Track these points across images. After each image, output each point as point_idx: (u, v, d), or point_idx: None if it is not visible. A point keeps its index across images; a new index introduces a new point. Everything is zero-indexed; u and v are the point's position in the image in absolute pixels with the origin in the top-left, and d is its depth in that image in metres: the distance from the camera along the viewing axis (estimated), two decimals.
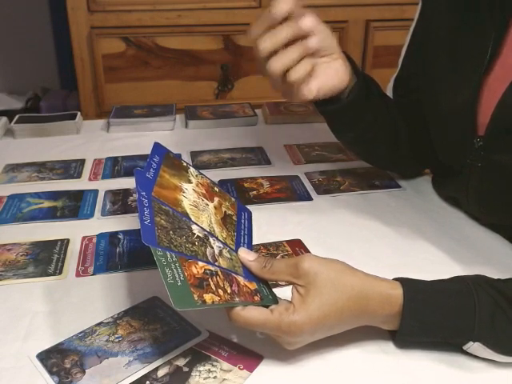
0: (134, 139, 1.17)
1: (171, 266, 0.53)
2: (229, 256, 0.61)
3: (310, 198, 0.91)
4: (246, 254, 0.61)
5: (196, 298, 0.52)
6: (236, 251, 0.62)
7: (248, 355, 0.58)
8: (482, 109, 0.74)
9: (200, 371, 0.56)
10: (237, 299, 0.54)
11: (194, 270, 0.55)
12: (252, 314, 0.54)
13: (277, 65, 0.68)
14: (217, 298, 0.53)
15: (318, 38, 0.70)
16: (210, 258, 0.58)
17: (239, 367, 0.56)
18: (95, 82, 1.85)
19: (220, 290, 0.54)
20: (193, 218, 0.62)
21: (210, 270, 0.56)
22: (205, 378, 0.55)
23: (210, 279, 0.55)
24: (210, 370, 0.56)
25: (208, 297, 0.53)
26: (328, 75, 0.74)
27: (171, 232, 0.57)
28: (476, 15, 0.75)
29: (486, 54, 0.72)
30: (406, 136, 0.90)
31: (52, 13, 2.39)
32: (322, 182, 0.97)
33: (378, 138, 0.88)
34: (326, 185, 0.96)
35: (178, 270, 0.53)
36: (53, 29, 2.42)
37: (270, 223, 0.83)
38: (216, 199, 0.69)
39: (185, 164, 0.71)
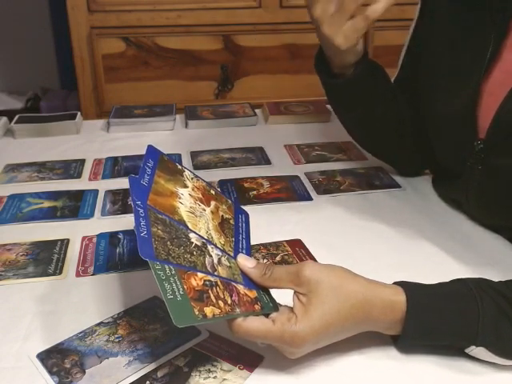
0: (134, 139, 1.17)
1: (170, 280, 0.52)
2: (228, 264, 0.60)
3: (310, 198, 0.91)
4: (245, 261, 0.60)
5: (197, 313, 0.51)
6: (235, 257, 0.61)
7: (248, 355, 0.58)
8: (481, 112, 0.74)
9: (200, 371, 0.56)
10: (237, 310, 0.54)
11: (194, 283, 0.54)
12: (253, 324, 0.53)
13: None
14: (217, 311, 0.52)
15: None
16: (209, 268, 0.57)
17: (239, 367, 0.56)
18: (95, 81, 1.85)
19: (220, 302, 0.53)
20: (190, 226, 0.61)
21: (209, 280, 0.55)
22: (205, 378, 0.55)
23: (209, 291, 0.54)
24: (210, 369, 0.56)
25: (208, 310, 0.52)
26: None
27: (169, 243, 0.57)
28: (476, 18, 0.74)
29: (485, 57, 0.72)
30: (409, 130, 0.90)
31: (52, 13, 2.39)
32: (322, 181, 0.97)
33: (384, 119, 0.88)
34: (326, 185, 0.96)
35: (177, 284, 0.52)
36: (53, 29, 2.42)
37: (270, 223, 0.83)
38: (213, 203, 0.68)
39: (180, 167, 0.70)
